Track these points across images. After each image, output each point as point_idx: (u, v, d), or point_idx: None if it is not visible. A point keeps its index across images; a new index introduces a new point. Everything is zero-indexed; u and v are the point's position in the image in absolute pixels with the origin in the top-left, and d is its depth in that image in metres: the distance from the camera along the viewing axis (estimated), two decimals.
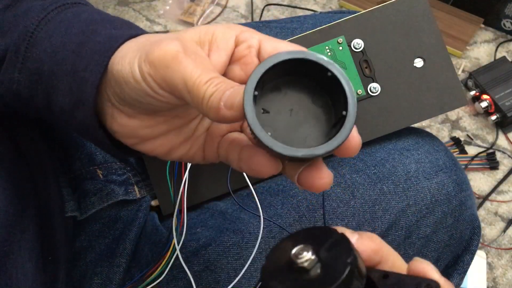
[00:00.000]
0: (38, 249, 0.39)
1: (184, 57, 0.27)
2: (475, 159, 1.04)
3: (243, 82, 0.30)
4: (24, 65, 0.32)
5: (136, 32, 0.31)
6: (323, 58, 0.26)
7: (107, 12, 1.30)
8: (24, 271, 0.36)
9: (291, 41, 0.47)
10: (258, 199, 0.45)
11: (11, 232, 0.35)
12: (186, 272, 0.44)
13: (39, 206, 0.40)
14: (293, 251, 0.24)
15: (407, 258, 0.48)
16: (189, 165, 0.45)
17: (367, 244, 0.26)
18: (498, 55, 1.16)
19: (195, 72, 0.26)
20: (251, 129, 0.25)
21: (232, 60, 0.30)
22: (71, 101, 0.31)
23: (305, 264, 0.23)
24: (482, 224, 0.96)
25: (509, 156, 1.06)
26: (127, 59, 0.29)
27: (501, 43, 1.18)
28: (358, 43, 0.47)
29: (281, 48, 0.29)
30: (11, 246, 0.35)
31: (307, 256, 0.23)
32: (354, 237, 0.26)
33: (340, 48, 0.47)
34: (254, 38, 0.29)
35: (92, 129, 0.31)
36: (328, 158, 0.49)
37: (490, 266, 0.96)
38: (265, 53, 0.29)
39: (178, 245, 0.44)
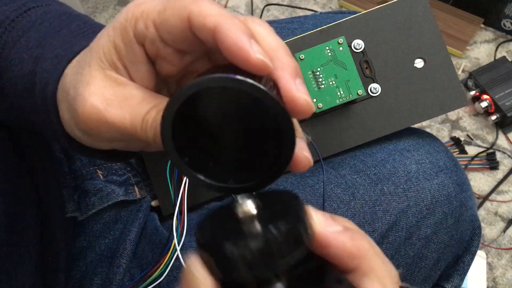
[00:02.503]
0: (38, 250, 0.39)
1: (108, 114, 0.26)
2: (475, 159, 1.04)
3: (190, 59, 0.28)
4: (3, 95, 0.32)
5: (73, 47, 0.30)
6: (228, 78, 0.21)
7: (108, 12, 1.29)
8: (24, 271, 0.36)
9: (291, 41, 0.47)
10: None
11: (11, 232, 0.35)
12: None
13: (39, 207, 0.40)
14: (238, 197, 0.21)
15: (407, 259, 0.48)
16: None
17: (343, 241, 0.21)
18: (498, 55, 1.16)
19: (126, 123, 0.26)
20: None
21: (150, 57, 0.27)
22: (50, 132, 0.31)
23: (240, 215, 0.21)
24: (482, 224, 0.96)
25: (509, 156, 1.06)
26: (69, 126, 0.29)
27: (501, 43, 1.18)
28: (358, 44, 0.47)
29: (168, 20, 0.25)
30: (11, 246, 0.35)
31: (248, 207, 0.21)
32: (331, 227, 0.22)
33: (341, 48, 0.47)
34: (148, 33, 0.25)
35: (87, 155, 0.32)
36: (328, 159, 0.49)
37: (490, 266, 0.96)
38: (164, 35, 0.25)
39: (178, 246, 0.44)
